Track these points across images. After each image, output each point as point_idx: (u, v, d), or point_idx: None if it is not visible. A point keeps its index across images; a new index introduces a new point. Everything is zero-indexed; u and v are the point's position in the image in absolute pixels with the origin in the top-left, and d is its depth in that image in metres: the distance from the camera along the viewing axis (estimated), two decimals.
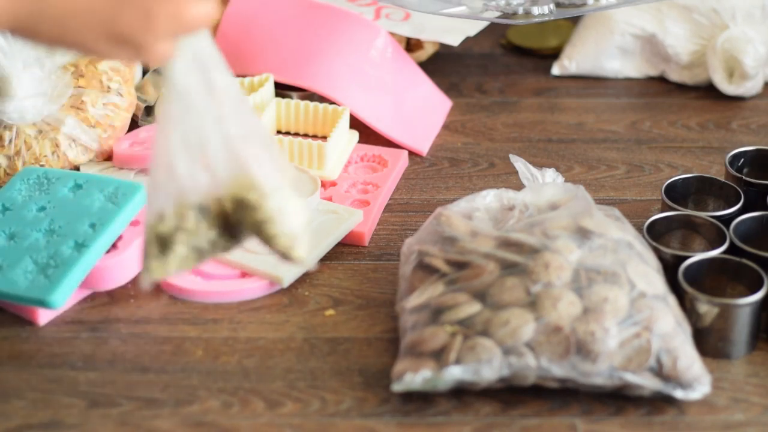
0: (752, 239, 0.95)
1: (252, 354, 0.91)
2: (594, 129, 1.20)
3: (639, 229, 0.96)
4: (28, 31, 0.77)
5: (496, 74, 1.30)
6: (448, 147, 1.17)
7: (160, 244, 0.81)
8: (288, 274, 0.96)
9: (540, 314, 0.85)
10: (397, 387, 0.86)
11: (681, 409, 0.86)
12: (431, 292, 0.89)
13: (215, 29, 1.20)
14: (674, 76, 1.28)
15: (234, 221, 0.81)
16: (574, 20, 1.33)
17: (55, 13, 0.76)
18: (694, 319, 0.89)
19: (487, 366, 0.84)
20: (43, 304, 0.91)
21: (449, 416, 0.85)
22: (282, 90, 1.18)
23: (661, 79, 1.29)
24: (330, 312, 0.95)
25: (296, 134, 1.14)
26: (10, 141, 1.05)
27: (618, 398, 0.86)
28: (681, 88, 1.28)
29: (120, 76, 1.09)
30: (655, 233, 0.97)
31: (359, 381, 0.88)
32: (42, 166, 1.04)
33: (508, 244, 0.90)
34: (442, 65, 1.30)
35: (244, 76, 1.15)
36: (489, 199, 0.97)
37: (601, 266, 0.87)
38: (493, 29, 1.31)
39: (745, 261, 0.92)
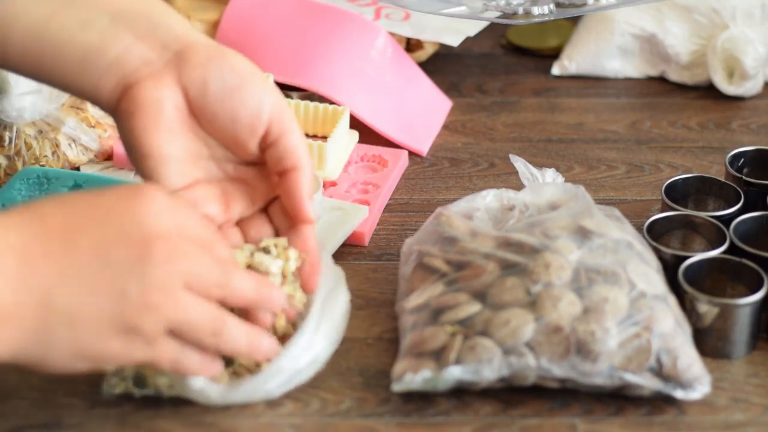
0: (752, 239, 0.95)
1: None
2: (594, 129, 1.20)
3: (639, 229, 0.96)
4: (33, 363, 0.74)
5: (496, 74, 1.30)
6: (448, 147, 1.17)
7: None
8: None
9: (540, 314, 0.85)
10: (397, 387, 0.85)
11: (681, 409, 0.86)
12: (431, 292, 0.89)
13: (215, 29, 1.20)
14: (674, 76, 1.28)
15: None
16: (574, 20, 1.33)
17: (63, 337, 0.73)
18: (694, 319, 0.89)
19: (487, 366, 0.84)
20: None
21: (449, 416, 0.85)
22: (282, 90, 1.17)
23: (661, 79, 1.29)
24: None
25: None
26: (10, 141, 1.05)
27: (618, 398, 0.86)
28: (681, 88, 1.28)
29: None
30: (655, 233, 0.97)
31: (359, 381, 0.88)
32: (42, 166, 1.04)
33: (508, 244, 0.90)
34: (442, 65, 1.30)
35: None
36: (489, 199, 0.97)
37: (601, 266, 0.87)
38: (493, 29, 1.31)
39: (745, 261, 0.92)
